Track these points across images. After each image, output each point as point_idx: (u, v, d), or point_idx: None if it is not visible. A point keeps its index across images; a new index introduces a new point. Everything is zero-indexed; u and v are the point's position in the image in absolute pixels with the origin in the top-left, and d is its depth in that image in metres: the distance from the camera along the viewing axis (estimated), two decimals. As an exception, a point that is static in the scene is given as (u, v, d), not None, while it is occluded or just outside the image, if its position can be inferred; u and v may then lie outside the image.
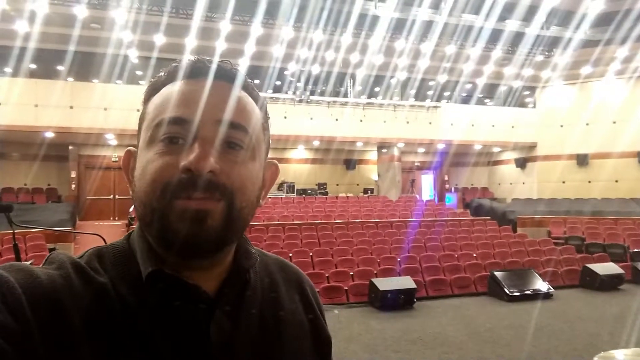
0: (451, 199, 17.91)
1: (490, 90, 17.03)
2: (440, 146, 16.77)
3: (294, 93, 14.58)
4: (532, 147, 16.66)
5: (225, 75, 0.60)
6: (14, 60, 11.59)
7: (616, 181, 15.06)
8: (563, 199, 15.30)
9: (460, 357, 5.30)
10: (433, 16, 12.78)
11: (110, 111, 12.02)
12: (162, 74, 0.61)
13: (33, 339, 0.45)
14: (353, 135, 14.90)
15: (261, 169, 0.63)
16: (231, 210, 0.55)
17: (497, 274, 8.43)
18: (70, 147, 14.19)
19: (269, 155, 0.66)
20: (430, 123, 15.44)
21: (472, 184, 19.40)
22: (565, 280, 9.13)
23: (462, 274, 8.79)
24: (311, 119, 14.38)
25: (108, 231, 11.21)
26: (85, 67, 13.20)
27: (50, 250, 8.51)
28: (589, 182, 15.55)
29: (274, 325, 0.64)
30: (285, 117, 13.80)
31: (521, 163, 17.15)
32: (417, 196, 16.60)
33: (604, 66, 14.72)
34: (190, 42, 12.70)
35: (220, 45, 12.99)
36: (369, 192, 16.98)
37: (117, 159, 14.67)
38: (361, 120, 14.82)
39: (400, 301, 7.46)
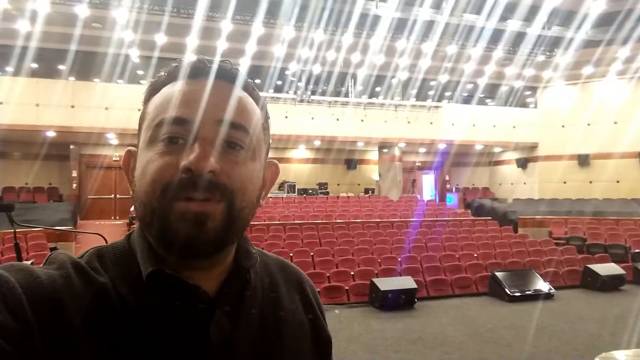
0: (452, 199, 17.91)
1: (491, 91, 17.02)
2: (442, 146, 16.76)
3: (295, 93, 14.58)
4: (534, 147, 16.64)
5: (226, 75, 0.60)
6: (15, 59, 11.61)
7: (617, 181, 15.04)
8: (564, 199, 15.28)
9: (460, 357, 5.30)
10: (434, 16, 12.78)
11: (111, 110, 12.04)
12: (163, 73, 0.61)
13: (33, 339, 0.45)
14: (354, 135, 14.90)
15: (262, 169, 0.63)
16: (231, 210, 0.55)
17: (498, 274, 8.42)
18: (71, 147, 14.21)
19: (270, 155, 0.67)
20: (431, 123, 15.43)
21: (473, 184, 19.39)
22: (567, 281, 9.12)
23: (463, 274, 8.79)
24: (312, 118, 14.38)
25: (109, 230, 11.22)
26: (87, 66, 13.22)
27: (52, 249, 8.53)
28: (590, 182, 15.53)
29: (274, 325, 0.64)
30: (286, 117, 13.80)
31: (522, 163, 17.14)
32: (418, 196, 16.59)
33: (605, 66, 14.71)
34: (192, 41, 12.71)
35: (222, 45, 13.00)
36: (370, 192, 16.97)
37: (118, 159, 14.68)
38: (362, 120, 14.82)
39: (401, 301, 7.45)
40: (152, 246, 0.57)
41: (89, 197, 14.80)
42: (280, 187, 15.52)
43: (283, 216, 12.01)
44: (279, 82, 15.01)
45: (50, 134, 12.60)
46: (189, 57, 0.60)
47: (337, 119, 14.58)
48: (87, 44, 12.36)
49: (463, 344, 5.71)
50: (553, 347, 5.51)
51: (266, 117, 0.65)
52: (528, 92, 17.26)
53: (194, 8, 11.66)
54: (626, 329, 5.94)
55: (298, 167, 17.48)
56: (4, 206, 2.36)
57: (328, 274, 8.31)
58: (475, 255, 9.75)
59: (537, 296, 7.98)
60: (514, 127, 16.22)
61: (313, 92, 14.86)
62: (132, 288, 0.55)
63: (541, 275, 8.70)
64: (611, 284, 8.64)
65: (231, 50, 13.21)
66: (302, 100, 14.33)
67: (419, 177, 19.00)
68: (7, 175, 14.09)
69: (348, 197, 15.44)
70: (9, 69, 12.55)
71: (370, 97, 15.89)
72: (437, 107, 15.68)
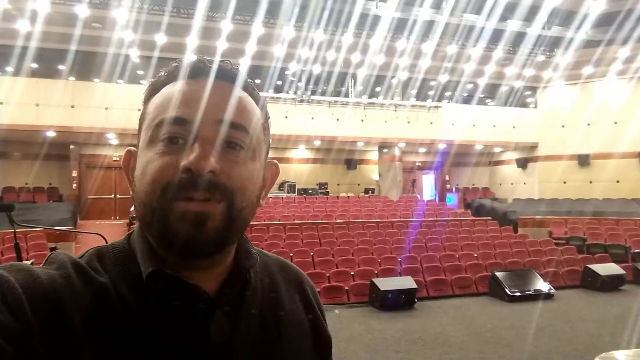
0: (452, 199, 17.91)
1: (491, 91, 17.02)
2: (442, 146, 16.76)
3: (295, 93, 14.58)
4: (534, 147, 16.64)
5: (226, 75, 0.60)
6: (15, 59, 11.62)
7: (617, 181, 15.05)
8: (564, 199, 15.28)
9: (460, 357, 5.30)
10: (434, 16, 12.78)
11: (111, 110, 12.04)
12: (162, 74, 0.61)
13: (33, 339, 0.45)
14: (354, 135, 14.90)
15: (262, 169, 0.63)
16: (231, 210, 0.55)
17: (498, 274, 8.42)
18: (71, 147, 14.21)
19: (270, 155, 0.67)
20: (431, 123, 15.43)
21: (473, 184, 19.40)
22: (566, 281, 9.12)
23: (463, 274, 8.79)
24: (312, 118, 14.38)
25: (109, 230, 11.23)
26: (87, 66, 13.22)
27: (52, 249, 8.53)
28: (590, 182, 15.54)
29: (274, 325, 0.64)
30: (286, 117, 13.80)
31: (522, 163, 17.14)
32: (418, 196, 16.59)
33: (605, 66, 14.71)
34: (192, 41, 12.71)
35: (222, 45, 13.00)
36: (370, 192, 16.98)
37: (118, 158, 14.68)
38: (362, 120, 14.82)
39: (401, 301, 7.45)
40: (152, 246, 0.57)
41: (89, 197, 14.80)
42: (280, 187, 15.52)
43: (283, 216, 12.01)
44: (279, 82, 15.01)
45: (50, 134, 12.60)
46: (189, 57, 0.60)
47: (337, 119, 14.59)
48: (87, 44, 12.36)
49: (463, 344, 5.71)
50: (553, 347, 5.51)
51: (266, 117, 0.65)
52: (528, 92, 17.26)
53: (194, 8, 11.66)
54: (626, 329, 5.94)
55: (298, 167, 17.48)
56: (4, 206, 2.36)
57: (328, 274, 8.31)
58: (475, 255, 9.75)
59: (537, 296, 7.98)
60: (514, 127, 16.22)
61: (313, 92, 14.86)
62: (132, 288, 0.55)
63: (541, 275, 8.70)
64: (611, 284, 8.64)
65: (231, 50, 13.21)
66: (302, 100, 14.33)
67: (419, 177, 19.00)
68: (7, 175, 14.09)
69: (348, 197, 15.44)
70: (9, 69, 12.55)
71: (370, 97, 15.89)
72: (437, 107, 15.68)
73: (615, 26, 13.11)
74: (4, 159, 14.29)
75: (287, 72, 14.86)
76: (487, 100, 17.74)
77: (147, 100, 0.61)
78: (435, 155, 18.69)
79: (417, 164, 18.90)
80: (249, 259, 0.63)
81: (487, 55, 14.45)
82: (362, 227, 11.28)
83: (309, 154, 17.77)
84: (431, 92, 16.76)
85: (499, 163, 18.77)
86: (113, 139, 13.90)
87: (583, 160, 15.57)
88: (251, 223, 0.62)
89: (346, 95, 15.50)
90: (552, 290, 8.28)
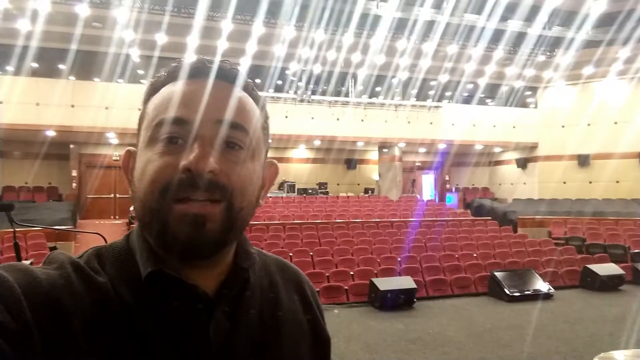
0: (452, 199, 17.92)
1: (491, 91, 17.02)
2: (441, 146, 16.76)
3: (296, 92, 14.58)
4: (533, 147, 16.64)
5: (225, 76, 0.60)
6: (15, 58, 11.61)
7: (617, 182, 15.05)
8: (564, 199, 15.28)
9: (460, 357, 5.30)
10: (435, 16, 12.78)
11: (111, 110, 12.04)
12: (162, 74, 0.61)
13: (33, 339, 0.45)
14: (354, 135, 14.90)
15: (261, 169, 0.63)
16: (231, 211, 0.55)
17: (498, 274, 8.42)
18: (71, 146, 14.21)
19: (269, 155, 0.67)
20: (431, 123, 15.43)
21: (473, 184, 19.40)
22: (566, 281, 9.13)
23: (462, 274, 8.79)
24: (312, 118, 14.38)
25: (109, 230, 11.22)
26: (87, 66, 13.22)
27: (51, 249, 8.54)
28: (590, 182, 15.54)
29: (273, 325, 0.64)
30: (286, 117, 13.79)
31: (522, 163, 17.14)
32: (418, 196, 16.59)
33: (605, 67, 14.71)
34: (192, 41, 12.70)
35: (222, 45, 13.00)
36: (370, 191, 16.98)
37: (118, 158, 14.67)
38: (362, 120, 14.82)
39: (401, 301, 7.45)
40: (151, 246, 0.57)
41: (88, 196, 14.80)
42: (280, 186, 15.52)
43: (283, 216, 12.01)
44: (279, 82, 15.01)
45: (50, 133, 12.60)
46: (190, 57, 0.60)
47: (337, 119, 14.58)
48: (87, 43, 12.36)
49: (462, 344, 5.71)
50: (552, 347, 5.51)
51: (266, 117, 0.65)
52: (528, 92, 17.26)
53: (194, 8, 11.66)
54: (625, 329, 5.94)
55: (298, 167, 17.48)
56: (4, 205, 2.36)
57: (327, 274, 8.31)
58: (475, 255, 9.76)
59: (536, 296, 7.98)
60: (514, 127, 16.22)
61: (313, 92, 14.86)
62: (131, 288, 0.55)
63: (540, 276, 8.70)
64: (610, 284, 8.64)
65: (232, 50, 13.21)
66: (302, 100, 14.33)
67: (418, 177, 19.01)
68: (7, 174, 14.09)
69: (348, 197, 15.45)
70: (10, 68, 12.54)
71: (370, 97, 15.89)
72: (437, 107, 15.68)
73: (615, 26, 13.11)
74: (4, 158, 14.28)
75: (287, 72, 14.86)
76: (487, 101, 17.74)
77: (146, 100, 0.61)
78: (435, 155, 18.69)
79: (417, 164, 18.90)
80: (248, 259, 0.63)
81: (488, 55, 14.45)
82: (362, 227, 11.28)
83: (309, 153, 17.77)
84: (431, 92, 16.75)
85: (498, 163, 18.77)
86: (113, 139, 13.89)
87: (583, 161, 15.57)
88: (251, 223, 0.62)
89: (346, 95, 15.50)
90: (551, 291, 8.28)
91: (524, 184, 17.23)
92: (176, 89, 0.58)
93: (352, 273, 8.43)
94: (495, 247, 10.33)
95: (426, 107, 15.54)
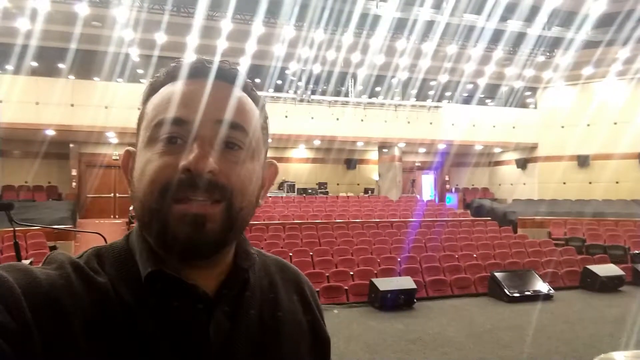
0: (452, 199, 17.92)
1: (491, 91, 17.02)
2: (441, 146, 16.76)
3: (295, 92, 14.57)
4: (533, 147, 16.65)
5: (225, 76, 0.60)
6: (15, 57, 11.60)
7: (617, 182, 15.05)
8: (564, 200, 15.29)
9: (460, 357, 5.30)
10: (434, 16, 12.77)
11: (111, 109, 12.03)
12: (161, 74, 0.61)
13: (32, 339, 0.45)
14: (354, 135, 14.90)
15: (261, 169, 0.63)
16: (231, 211, 0.55)
17: (498, 274, 8.42)
18: (71, 145, 14.21)
19: (269, 155, 0.67)
20: (431, 123, 15.43)
21: (472, 185, 19.40)
22: (566, 282, 9.13)
23: (462, 275, 8.79)
24: (312, 118, 14.38)
25: (109, 229, 11.22)
26: (87, 65, 13.21)
27: (51, 248, 8.54)
28: (590, 183, 15.54)
29: (273, 325, 0.64)
30: (286, 117, 13.79)
31: (522, 164, 17.14)
32: (418, 196, 16.60)
33: (605, 67, 14.71)
34: (192, 40, 12.69)
35: (222, 44, 12.99)
36: (370, 192, 16.98)
37: (117, 157, 14.67)
38: (362, 120, 14.82)
39: (400, 301, 7.45)
40: (151, 246, 0.57)
41: (88, 195, 14.80)
42: (280, 186, 15.52)
43: (282, 216, 12.00)
44: (279, 82, 15.00)
45: (50, 132, 12.60)
46: (189, 57, 0.60)
47: (337, 119, 14.58)
48: (87, 42, 12.35)
49: (462, 345, 5.71)
50: (552, 347, 5.51)
51: (265, 118, 0.65)
52: (528, 93, 17.26)
53: (194, 7, 11.65)
54: (625, 329, 5.94)
55: (298, 167, 17.48)
56: (4, 205, 2.36)
57: (327, 274, 8.31)
58: (475, 255, 9.76)
59: (536, 297, 7.98)
60: (513, 127, 16.22)
61: (313, 92, 14.85)
62: (131, 288, 0.55)
63: (540, 276, 8.70)
64: (610, 285, 8.64)
65: (231, 49, 13.20)
66: (302, 100, 14.33)
67: (418, 177, 19.01)
68: (7, 173, 14.09)
69: (347, 197, 15.45)
70: (9, 67, 12.53)
71: (370, 97, 15.89)
72: (437, 107, 15.68)
73: (615, 27, 13.11)
74: (3, 158, 14.27)
75: (287, 72, 14.86)
76: (487, 101, 17.74)
77: (145, 101, 0.61)
78: (435, 156, 18.69)
79: (416, 164, 18.91)
80: (247, 260, 0.63)
81: (487, 55, 14.45)
82: (362, 227, 11.28)
83: (309, 153, 17.77)
84: (431, 92, 16.76)
85: (498, 163, 18.77)
86: (113, 138, 13.89)
87: (583, 161, 15.57)
88: (250, 223, 0.62)
89: (346, 95, 15.50)
90: (551, 291, 8.29)
91: (524, 184, 17.23)
92: (175, 89, 0.58)
93: (352, 273, 8.43)
94: (495, 248, 10.34)
95: (426, 107, 15.54)
